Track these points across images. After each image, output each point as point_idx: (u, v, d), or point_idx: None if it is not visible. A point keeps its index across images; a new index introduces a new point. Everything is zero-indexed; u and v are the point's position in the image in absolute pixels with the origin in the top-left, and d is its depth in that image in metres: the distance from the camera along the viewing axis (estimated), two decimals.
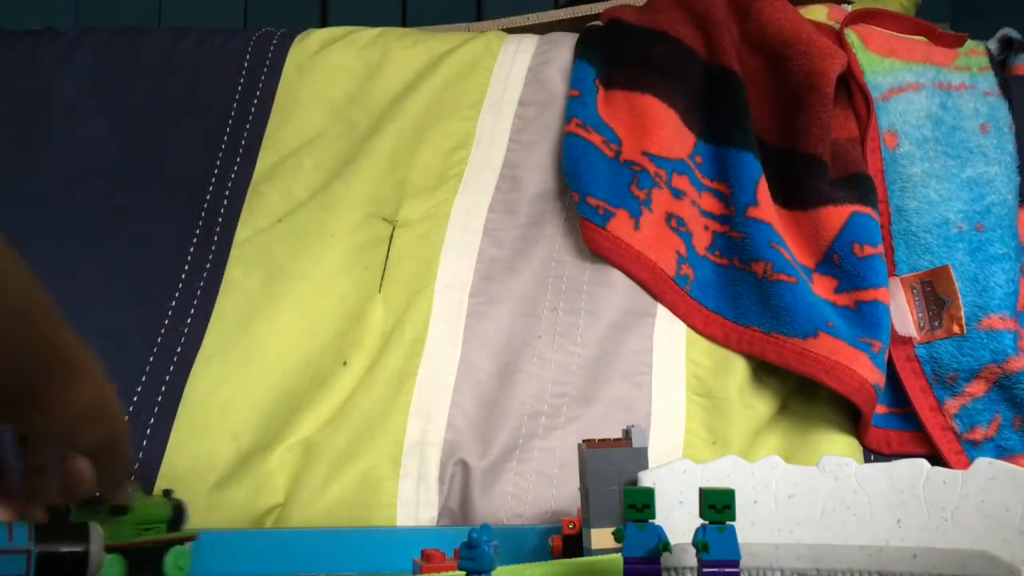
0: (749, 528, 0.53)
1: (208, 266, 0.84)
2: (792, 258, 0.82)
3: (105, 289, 0.83)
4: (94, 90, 0.95)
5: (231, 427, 0.74)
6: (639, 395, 0.77)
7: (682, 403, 0.77)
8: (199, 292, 0.82)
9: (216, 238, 0.86)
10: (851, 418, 0.78)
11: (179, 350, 0.79)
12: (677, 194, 0.86)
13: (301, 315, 0.80)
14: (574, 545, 0.60)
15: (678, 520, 0.54)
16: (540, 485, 0.72)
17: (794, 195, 0.86)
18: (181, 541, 0.57)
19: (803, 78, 0.89)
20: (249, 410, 0.75)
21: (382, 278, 0.83)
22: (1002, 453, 0.76)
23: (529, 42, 1.00)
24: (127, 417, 0.75)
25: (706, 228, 0.86)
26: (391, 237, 0.85)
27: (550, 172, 0.89)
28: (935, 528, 0.52)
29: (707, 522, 0.45)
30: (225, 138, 0.92)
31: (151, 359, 0.78)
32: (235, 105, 0.95)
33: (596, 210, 0.83)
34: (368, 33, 1.01)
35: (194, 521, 0.70)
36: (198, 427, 0.74)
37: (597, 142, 0.87)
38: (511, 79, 0.95)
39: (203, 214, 0.87)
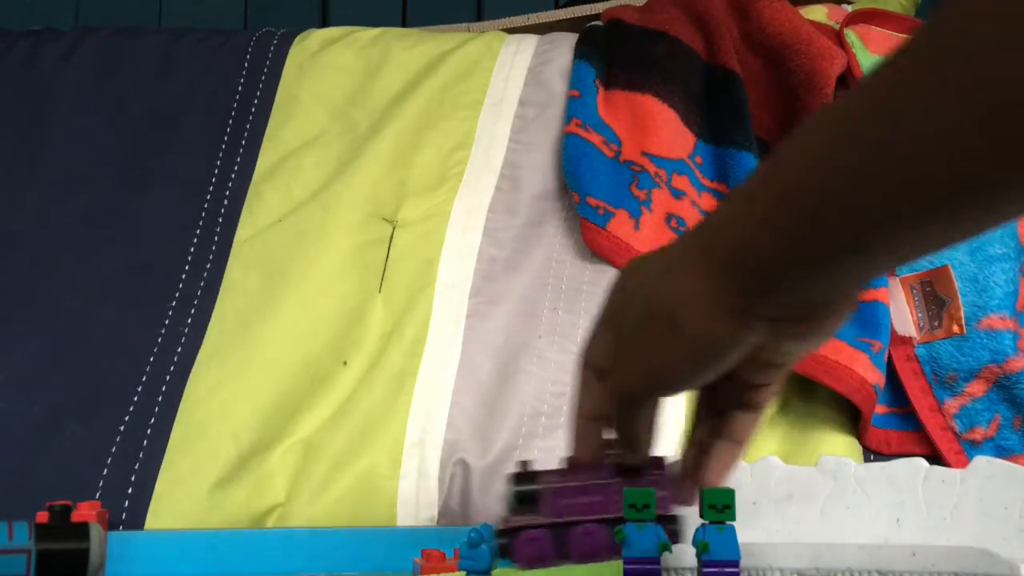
0: (748, 529, 0.53)
1: (208, 266, 0.84)
2: None
3: (105, 289, 0.83)
4: (94, 90, 0.95)
5: (231, 427, 0.74)
6: None
7: (682, 403, 0.77)
8: (199, 292, 0.82)
9: (216, 238, 0.86)
10: (851, 418, 0.78)
11: (179, 350, 0.79)
12: (677, 194, 0.86)
13: (301, 315, 0.80)
14: None
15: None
16: None
17: None
18: None
19: (803, 78, 0.89)
20: (249, 410, 0.76)
21: (382, 278, 0.83)
22: (1002, 453, 0.76)
23: (529, 42, 1.00)
24: (127, 417, 0.75)
25: None
26: (391, 237, 0.85)
27: (550, 172, 0.89)
28: (934, 527, 0.52)
29: (707, 522, 0.45)
30: (225, 138, 0.92)
31: (151, 359, 0.78)
32: (235, 105, 0.95)
33: (596, 210, 0.84)
34: (368, 33, 1.01)
35: (194, 521, 0.70)
36: (198, 427, 0.74)
37: (597, 142, 0.87)
38: (511, 79, 0.96)
39: (203, 214, 0.87)
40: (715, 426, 0.46)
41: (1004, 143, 0.28)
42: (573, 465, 0.47)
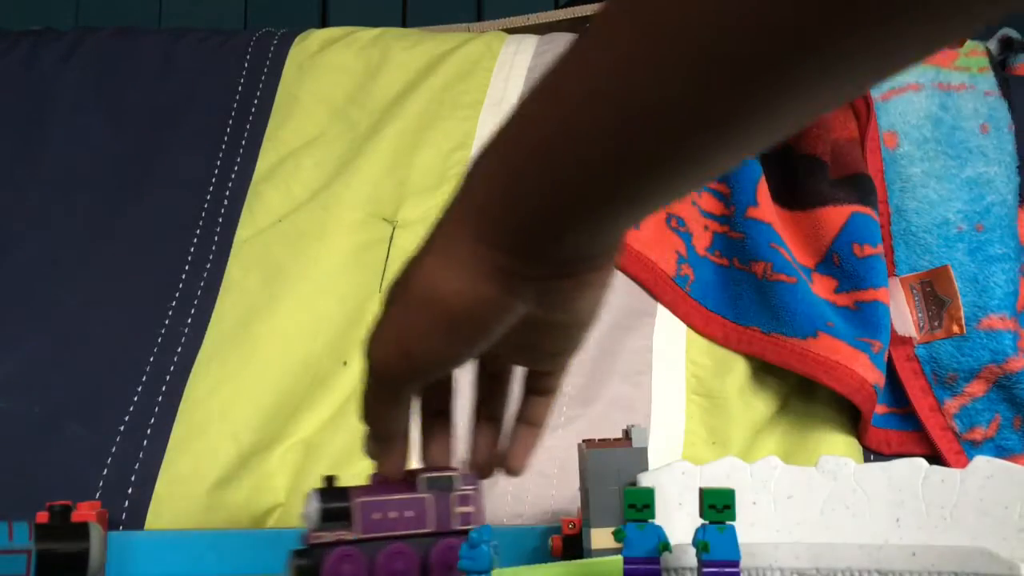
0: (748, 529, 0.53)
1: (208, 266, 0.84)
2: (792, 258, 0.82)
3: (105, 289, 0.83)
4: (94, 90, 0.95)
5: (231, 427, 0.74)
6: (639, 395, 0.77)
7: (682, 403, 0.77)
8: (199, 292, 0.82)
9: (216, 238, 0.86)
10: (851, 418, 0.78)
11: (179, 350, 0.79)
12: None
13: (301, 315, 0.80)
14: (574, 545, 0.60)
15: (678, 522, 0.54)
16: (540, 485, 0.72)
17: (794, 195, 0.86)
18: None
19: None
20: (249, 410, 0.76)
21: (382, 278, 0.83)
22: (1002, 453, 0.76)
23: (529, 42, 1.00)
24: (127, 417, 0.75)
25: (706, 228, 0.86)
26: (391, 237, 0.85)
27: None
28: (934, 527, 0.52)
29: (707, 522, 0.45)
30: (225, 138, 0.92)
31: (151, 359, 0.78)
32: (235, 105, 0.95)
33: None
34: (368, 33, 1.01)
35: (194, 521, 0.70)
36: (198, 427, 0.74)
37: None
38: (511, 79, 0.96)
39: (203, 214, 0.87)
40: (495, 410, 0.46)
41: (708, 85, 0.28)
42: (380, 482, 0.46)
